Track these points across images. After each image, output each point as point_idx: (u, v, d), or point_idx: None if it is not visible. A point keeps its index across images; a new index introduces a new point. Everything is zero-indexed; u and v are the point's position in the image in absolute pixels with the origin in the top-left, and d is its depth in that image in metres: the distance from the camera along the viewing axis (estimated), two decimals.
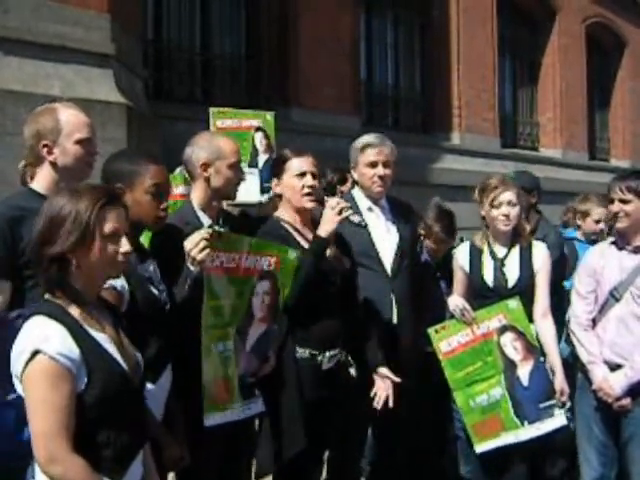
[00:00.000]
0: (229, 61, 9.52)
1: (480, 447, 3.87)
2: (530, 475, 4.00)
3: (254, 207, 4.66)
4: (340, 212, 3.37)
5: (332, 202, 3.45)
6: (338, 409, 3.54)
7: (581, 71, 14.28)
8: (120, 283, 2.60)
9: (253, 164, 4.82)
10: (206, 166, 3.32)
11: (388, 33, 11.64)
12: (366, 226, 3.71)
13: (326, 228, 3.38)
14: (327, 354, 3.44)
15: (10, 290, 2.76)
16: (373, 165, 4.03)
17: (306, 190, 3.48)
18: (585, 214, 5.62)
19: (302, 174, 3.50)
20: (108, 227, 2.19)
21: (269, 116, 5.10)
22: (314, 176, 3.52)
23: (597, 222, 5.51)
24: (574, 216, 5.78)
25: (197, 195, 3.37)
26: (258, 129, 4.98)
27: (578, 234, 5.63)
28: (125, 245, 2.25)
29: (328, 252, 3.50)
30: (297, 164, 3.52)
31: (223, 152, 3.34)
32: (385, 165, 4.03)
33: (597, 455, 3.90)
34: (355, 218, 3.54)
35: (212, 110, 4.91)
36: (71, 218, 2.13)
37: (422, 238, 4.82)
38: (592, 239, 5.38)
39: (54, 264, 2.11)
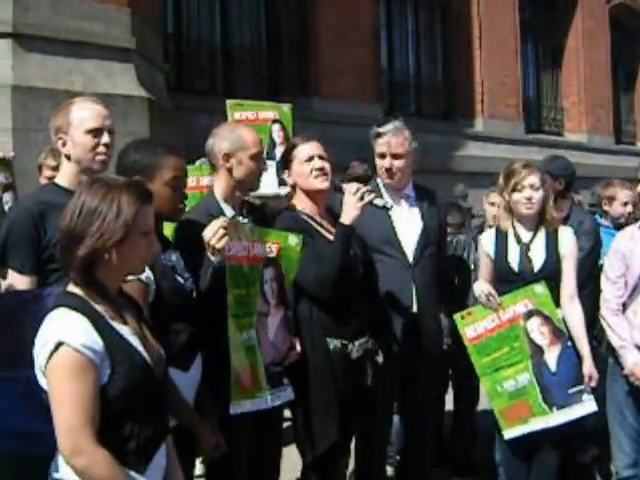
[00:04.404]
0: (249, 52, 9.54)
1: (508, 433, 3.82)
2: (561, 462, 3.97)
3: (273, 199, 4.67)
4: (362, 197, 3.34)
5: (352, 188, 3.40)
6: (364, 397, 3.53)
7: (605, 54, 14.12)
8: (145, 274, 2.60)
9: (271, 156, 4.82)
10: (228, 157, 3.28)
11: (409, 20, 11.60)
12: (392, 207, 3.66)
13: (350, 214, 3.34)
14: (356, 343, 3.43)
15: (36, 285, 2.78)
16: (382, 156, 3.97)
17: (315, 172, 3.47)
18: (611, 198, 5.54)
19: (310, 159, 3.49)
20: (145, 226, 2.19)
21: (286, 108, 5.10)
22: (322, 159, 3.51)
23: (625, 204, 5.44)
24: (600, 203, 5.71)
25: (220, 186, 3.35)
26: (275, 121, 4.97)
27: (603, 221, 5.56)
28: (156, 244, 2.26)
29: None
30: (303, 150, 3.52)
31: (245, 143, 3.32)
32: (395, 157, 3.94)
33: (629, 441, 3.85)
34: (379, 201, 3.48)
35: (229, 102, 4.91)
36: (112, 215, 2.11)
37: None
38: (620, 223, 5.30)
39: (86, 259, 2.10)
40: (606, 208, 5.54)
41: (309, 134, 3.66)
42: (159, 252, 2.36)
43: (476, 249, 4.88)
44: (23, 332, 2.22)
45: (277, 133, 4.98)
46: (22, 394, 2.29)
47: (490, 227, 4.92)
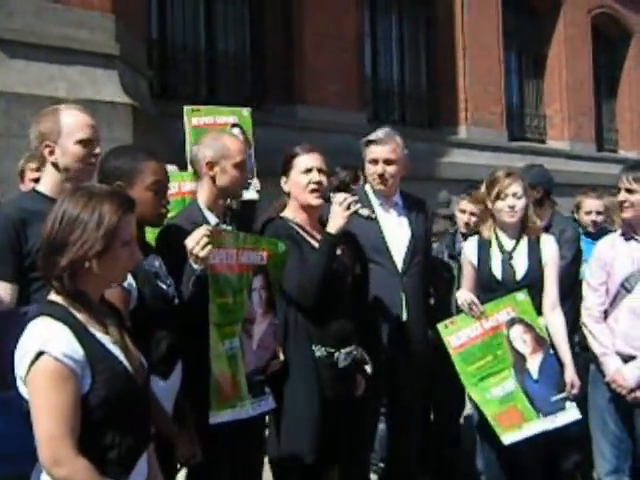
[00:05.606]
0: (234, 59, 9.53)
1: (507, 438, 3.75)
2: (544, 468, 3.98)
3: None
4: (348, 207, 3.34)
5: (339, 197, 3.39)
6: (350, 406, 3.52)
7: (587, 62, 14.21)
8: (127, 281, 2.59)
9: None
10: (212, 165, 3.27)
11: (393, 28, 11.62)
12: (376, 218, 3.66)
13: (336, 224, 3.33)
14: (343, 351, 3.42)
15: (17, 293, 2.76)
16: (375, 162, 4.00)
17: (312, 186, 3.45)
18: (577, 206, 5.61)
19: (308, 170, 3.47)
20: (127, 235, 2.18)
21: (245, 112, 5.04)
22: (321, 173, 3.49)
23: (589, 213, 5.48)
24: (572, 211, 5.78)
25: (203, 194, 3.34)
26: (234, 125, 4.93)
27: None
28: (138, 253, 2.25)
29: (338, 250, 3.47)
30: (304, 161, 3.49)
31: (229, 151, 3.30)
32: (387, 162, 3.97)
33: (611, 448, 3.87)
34: (364, 212, 3.48)
35: (186, 108, 4.86)
36: (93, 224, 2.10)
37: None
38: (587, 231, 5.34)
39: (67, 268, 2.09)
40: (575, 216, 5.60)
41: (311, 144, 3.61)
42: (141, 259, 2.34)
43: (449, 255, 4.90)
44: (8, 352, 2.19)
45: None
46: (4, 414, 2.27)
47: (463, 235, 4.94)
